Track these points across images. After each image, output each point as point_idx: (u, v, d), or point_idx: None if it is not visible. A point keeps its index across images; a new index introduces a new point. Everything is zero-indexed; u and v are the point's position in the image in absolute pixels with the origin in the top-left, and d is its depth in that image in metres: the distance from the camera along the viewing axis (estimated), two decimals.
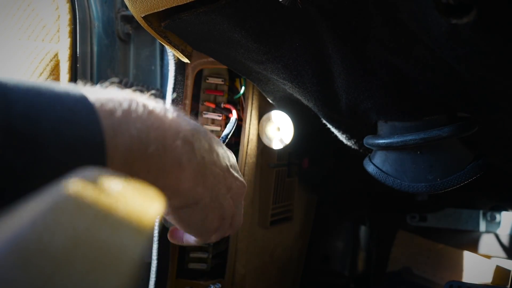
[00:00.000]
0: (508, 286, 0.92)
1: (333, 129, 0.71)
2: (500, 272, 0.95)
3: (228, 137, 0.61)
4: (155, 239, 0.72)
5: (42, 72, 0.76)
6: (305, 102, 0.66)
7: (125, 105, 0.33)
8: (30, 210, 0.19)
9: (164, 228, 0.72)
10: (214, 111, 0.75)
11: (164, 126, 0.36)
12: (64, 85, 0.32)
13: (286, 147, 0.78)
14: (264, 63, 0.59)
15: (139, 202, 0.23)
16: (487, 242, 1.06)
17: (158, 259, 0.72)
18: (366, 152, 0.69)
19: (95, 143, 0.30)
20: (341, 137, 0.72)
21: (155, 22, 0.58)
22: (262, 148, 0.79)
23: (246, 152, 0.75)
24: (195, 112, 0.75)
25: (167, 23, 0.57)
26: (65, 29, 0.78)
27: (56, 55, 0.77)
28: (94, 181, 0.22)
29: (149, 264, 0.73)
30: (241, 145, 0.75)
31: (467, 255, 1.02)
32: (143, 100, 0.36)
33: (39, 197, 0.20)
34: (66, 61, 0.78)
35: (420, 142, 0.56)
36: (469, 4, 0.37)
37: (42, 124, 0.28)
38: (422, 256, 1.07)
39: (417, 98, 0.55)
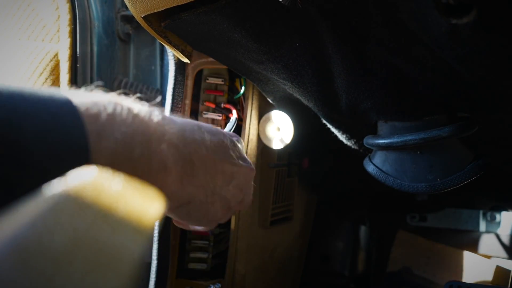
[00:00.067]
0: (508, 286, 0.92)
1: (333, 129, 0.71)
2: (500, 272, 0.95)
3: None
4: (155, 239, 0.72)
5: (42, 72, 0.76)
6: (305, 102, 0.66)
7: (110, 109, 0.33)
8: (30, 210, 0.19)
9: (164, 228, 0.73)
10: (214, 111, 0.75)
11: (149, 130, 0.36)
12: (48, 89, 0.32)
13: (286, 147, 0.78)
14: (264, 63, 0.59)
15: (139, 202, 0.23)
16: (487, 242, 1.06)
17: (158, 259, 0.72)
18: (366, 152, 0.69)
19: (79, 148, 0.30)
20: (341, 137, 0.72)
21: (155, 22, 0.58)
22: (262, 148, 0.79)
23: (246, 152, 0.75)
24: (195, 112, 0.75)
25: (167, 23, 0.57)
26: (65, 29, 0.78)
27: (56, 55, 0.77)
28: (94, 181, 0.22)
29: (149, 264, 0.73)
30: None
31: (467, 255, 1.02)
32: (128, 104, 0.35)
33: (39, 197, 0.20)
34: (66, 61, 0.78)
35: (420, 142, 0.56)
36: (469, 4, 0.37)
37: (25, 129, 0.28)
38: (422, 256, 1.07)
39: (417, 98, 0.55)
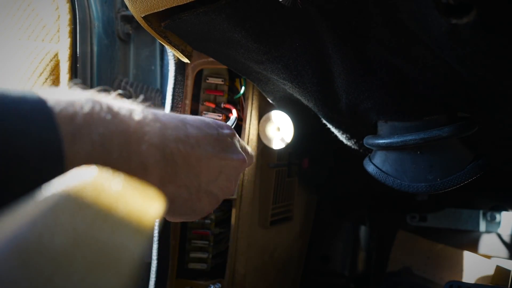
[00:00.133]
0: (508, 286, 0.92)
1: (333, 129, 0.71)
2: (500, 272, 0.95)
3: None
4: (155, 239, 0.72)
5: (42, 72, 0.76)
6: (305, 102, 0.66)
7: (87, 109, 0.31)
8: (30, 210, 0.19)
9: (164, 228, 0.73)
10: (214, 111, 0.75)
11: (128, 130, 0.34)
12: (21, 89, 0.30)
13: (286, 147, 0.78)
14: (264, 63, 0.59)
15: (139, 202, 0.23)
16: (487, 242, 1.06)
17: (158, 259, 0.72)
18: (366, 152, 0.69)
19: (51, 152, 0.29)
20: (341, 137, 0.72)
21: (155, 22, 0.58)
22: (262, 148, 0.79)
23: None
24: (195, 112, 0.75)
25: (167, 23, 0.57)
26: (65, 29, 0.78)
27: (56, 55, 0.77)
28: (94, 181, 0.22)
29: (149, 264, 0.73)
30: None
31: (467, 255, 1.02)
32: (108, 102, 0.34)
33: (39, 197, 0.20)
34: (66, 61, 0.78)
35: (420, 142, 0.56)
36: (469, 4, 0.37)
37: None
38: (422, 256, 1.07)
39: (417, 98, 0.55)
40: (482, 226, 1.06)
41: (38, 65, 0.76)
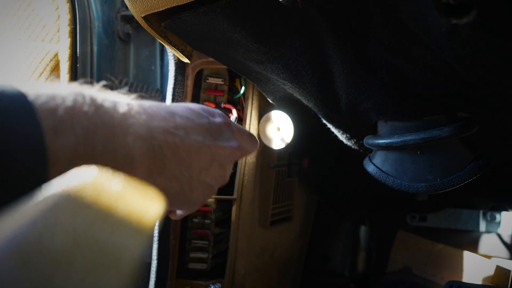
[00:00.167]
0: (508, 286, 0.92)
1: (333, 129, 0.71)
2: (500, 272, 0.95)
3: None
4: (155, 239, 0.72)
5: (42, 72, 0.76)
6: (305, 102, 0.66)
7: (69, 102, 0.31)
8: (30, 210, 0.19)
9: (164, 228, 0.72)
10: None
11: (113, 123, 0.33)
12: (0, 84, 0.29)
13: (286, 147, 0.78)
14: (264, 63, 0.59)
15: (139, 202, 0.23)
16: (487, 242, 1.06)
17: (158, 259, 0.72)
18: (366, 152, 0.69)
19: (33, 146, 0.28)
20: (341, 137, 0.72)
21: (155, 22, 0.58)
22: (262, 148, 0.79)
23: None
24: None
25: (167, 23, 0.57)
26: (65, 29, 0.78)
27: (56, 55, 0.77)
28: (94, 181, 0.22)
29: (149, 264, 0.73)
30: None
31: (467, 255, 1.02)
32: (92, 94, 0.33)
33: (39, 197, 0.20)
34: (66, 61, 0.78)
35: (420, 142, 0.56)
36: (469, 4, 0.37)
37: None
38: (422, 256, 1.07)
39: (417, 98, 0.55)
40: (482, 226, 1.06)
41: (38, 65, 0.76)
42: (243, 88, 0.75)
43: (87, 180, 0.22)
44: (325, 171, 1.00)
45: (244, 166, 0.75)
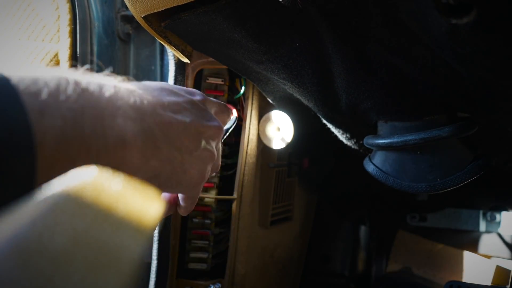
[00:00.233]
0: (508, 286, 0.92)
1: (333, 129, 0.71)
2: (500, 272, 0.95)
3: (228, 132, 0.61)
4: (155, 239, 0.72)
5: None
6: (305, 102, 0.66)
7: (52, 85, 0.30)
8: (30, 210, 0.19)
9: (164, 228, 0.73)
10: None
11: (100, 104, 0.33)
12: None
13: (286, 147, 0.78)
14: (264, 63, 0.59)
15: (139, 202, 0.23)
16: (487, 242, 1.06)
17: (158, 259, 0.72)
18: (366, 152, 0.69)
19: (18, 129, 0.28)
20: (341, 137, 0.72)
21: (155, 22, 0.58)
22: (262, 148, 0.79)
23: (246, 152, 0.75)
24: None
25: (167, 23, 0.57)
26: (65, 29, 0.78)
27: (56, 55, 0.77)
28: (94, 181, 0.22)
29: (149, 264, 0.73)
30: (241, 145, 0.75)
31: (467, 255, 1.02)
32: (76, 77, 0.33)
33: (39, 197, 0.20)
34: (66, 61, 0.78)
35: (420, 142, 0.56)
36: (469, 4, 0.37)
37: None
38: (422, 256, 1.07)
39: (417, 98, 0.55)
40: (482, 226, 1.06)
41: (38, 65, 0.76)
42: (243, 88, 0.75)
43: (87, 180, 0.22)
44: (325, 171, 1.00)
45: (244, 166, 0.75)
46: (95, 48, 0.83)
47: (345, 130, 0.70)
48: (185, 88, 0.47)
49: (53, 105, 0.30)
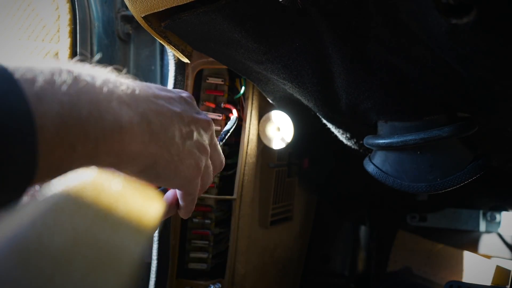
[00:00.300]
0: (508, 286, 0.92)
1: (333, 129, 0.71)
2: (500, 272, 0.95)
3: (229, 133, 0.61)
4: (155, 239, 0.72)
5: None
6: (305, 102, 0.66)
7: (47, 72, 0.31)
8: (30, 210, 0.19)
9: (164, 228, 0.73)
10: (214, 111, 0.75)
11: (94, 90, 0.34)
12: None
13: (286, 147, 0.78)
14: (264, 63, 0.59)
15: (139, 202, 0.23)
16: (487, 242, 1.06)
17: (158, 259, 0.72)
18: (366, 152, 0.69)
19: (19, 113, 0.28)
20: (341, 137, 0.72)
21: (155, 22, 0.58)
22: (262, 148, 0.79)
23: (246, 152, 0.75)
24: None
25: (167, 23, 0.57)
26: (65, 29, 0.78)
27: (56, 55, 0.77)
28: (94, 181, 0.22)
29: (149, 264, 0.73)
30: (241, 145, 0.75)
31: (467, 255, 1.02)
32: (69, 67, 0.33)
33: (39, 197, 0.20)
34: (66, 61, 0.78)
35: (420, 142, 0.56)
36: (469, 4, 0.37)
37: None
38: (422, 256, 1.07)
39: (417, 98, 0.55)
40: (482, 226, 1.06)
41: None
42: (243, 88, 0.75)
43: (87, 180, 0.22)
44: (325, 171, 1.00)
45: (244, 166, 0.75)
46: (95, 48, 0.83)
47: (345, 130, 0.70)
48: (172, 89, 0.47)
49: (50, 91, 0.30)
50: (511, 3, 0.36)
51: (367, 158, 0.65)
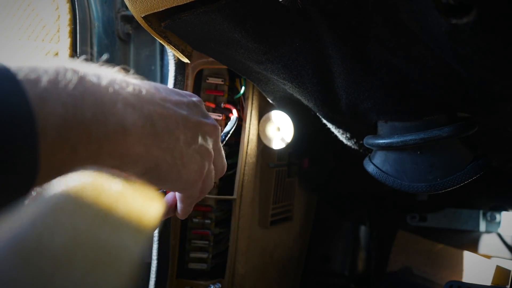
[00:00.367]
0: (508, 286, 0.92)
1: (333, 129, 0.71)
2: (500, 272, 0.95)
3: (229, 134, 0.61)
4: (155, 239, 0.72)
5: None
6: (305, 102, 0.66)
7: (51, 72, 0.31)
8: (30, 210, 0.19)
9: (164, 228, 0.73)
10: (214, 111, 0.75)
11: (100, 90, 0.33)
12: None
13: (286, 147, 0.78)
14: (264, 63, 0.59)
15: (139, 202, 0.23)
16: (487, 242, 1.06)
17: (158, 259, 0.72)
18: (366, 152, 0.69)
19: (20, 114, 0.28)
20: (341, 137, 0.72)
21: (155, 22, 0.58)
22: (262, 148, 0.79)
23: (246, 152, 0.75)
24: None
25: (167, 23, 0.57)
26: (65, 29, 0.78)
27: (56, 55, 0.77)
28: (94, 181, 0.22)
29: (149, 264, 0.73)
30: (241, 145, 0.75)
31: (467, 255, 1.02)
32: (74, 66, 0.33)
33: (39, 197, 0.20)
34: None
35: (420, 142, 0.56)
36: (469, 4, 0.37)
37: None
38: (422, 256, 1.07)
39: (417, 98, 0.55)
40: (482, 226, 1.06)
41: None
42: (243, 88, 0.75)
43: (87, 180, 0.22)
44: (325, 171, 1.00)
45: (244, 166, 0.75)
46: (95, 48, 0.83)
47: (345, 130, 0.70)
48: (182, 91, 0.47)
49: (54, 92, 0.30)
50: (511, 3, 0.36)
51: (367, 158, 0.65)
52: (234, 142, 0.77)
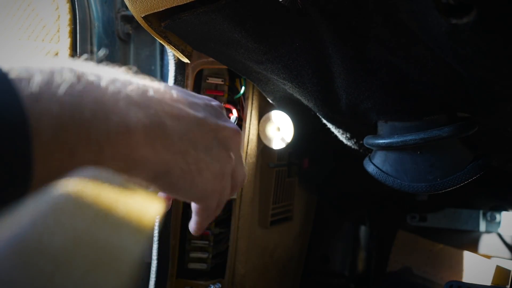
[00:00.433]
0: (508, 286, 0.92)
1: (333, 129, 0.71)
2: (500, 272, 0.95)
3: None
4: (155, 239, 0.72)
5: None
6: (305, 102, 0.66)
7: (46, 72, 0.29)
8: (30, 210, 0.19)
9: (164, 228, 0.73)
10: None
11: (99, 89, 0.30)
12: None
13: (286, 147, 0.78)
14: (264, 63, 0.59)
15: (139, 202, 0.23)
16: (487, 242, 1.06)
17: (158, 259, 0.72)
18: (366, 152, 0.69)
19: (11, 114, 0.26)
20: (341, 137, 0.72)
21: (155, 22, 0.58)
22: (262, 148, 0.79)
23: (246, 152, 0.75)
24: None
25: (167, 23, 0.57)
26: (65, 29, 0.78)
27: (56, 55, 0.77)
28: (94, 181, 0.22)
29: (149, 264, 0.73)
30: (241, 145, 0.75)
31: (467, 255, 1.02)
32: (72, 65, 0.31)
33: (39, 197, 0.20)
34: None
35: (420, 142, 0.56)
36: (469, 4, 0.37)
37: None
38: (422, 256, 1.07)
39: (417, 98, 0.55)
40: (482, 226, 1.06)
41: None
42: (243, 88, 0.75)
43: (87, 180, 0.22)
44: (325, 171, 1.00)
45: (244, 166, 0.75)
46: (95, 48, 0.83)
47: (345, 130, 0.70)
48: (200, 95, 0.43)
49: (48, 91, 0.28)
50: (511, 3, 0.36)
51: (367, 158, 0.65)
52: None
